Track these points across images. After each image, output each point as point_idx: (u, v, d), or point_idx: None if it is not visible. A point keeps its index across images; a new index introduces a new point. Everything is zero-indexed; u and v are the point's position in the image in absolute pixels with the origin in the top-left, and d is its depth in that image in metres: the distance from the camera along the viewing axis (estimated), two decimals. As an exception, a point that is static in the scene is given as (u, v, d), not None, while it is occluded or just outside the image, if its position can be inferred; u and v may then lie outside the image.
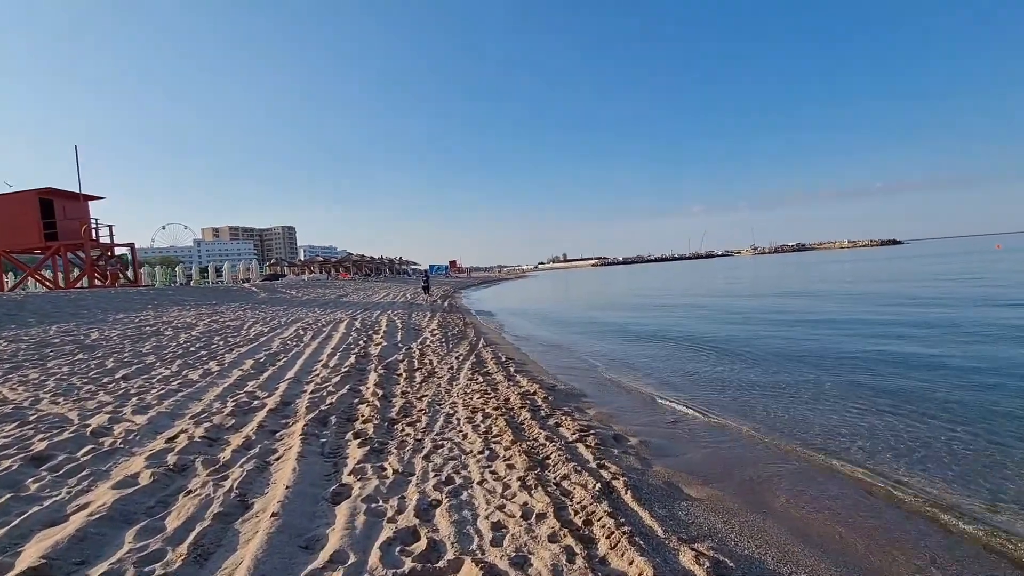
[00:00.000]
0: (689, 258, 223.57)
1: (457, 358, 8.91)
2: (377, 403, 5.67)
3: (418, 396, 6.15)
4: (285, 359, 8.25)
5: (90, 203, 25.39)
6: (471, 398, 6.04)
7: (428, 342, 10.68)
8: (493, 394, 6.20)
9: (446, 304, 23.90)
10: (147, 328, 11.77)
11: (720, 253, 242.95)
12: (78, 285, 25.20)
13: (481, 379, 7.08)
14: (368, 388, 6.36)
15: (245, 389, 6.15)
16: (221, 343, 9.80)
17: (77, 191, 24.38)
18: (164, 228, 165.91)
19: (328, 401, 5.65)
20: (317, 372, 7.34)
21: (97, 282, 25.63)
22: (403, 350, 9.57)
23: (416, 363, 8.33)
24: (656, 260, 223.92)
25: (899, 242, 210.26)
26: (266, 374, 6.99)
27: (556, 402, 5.99)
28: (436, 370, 7.78)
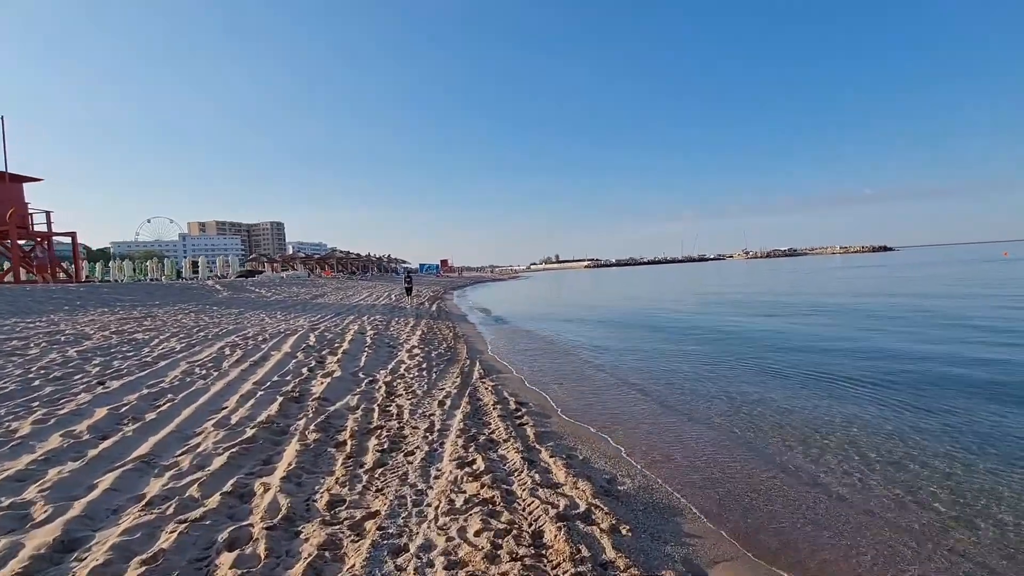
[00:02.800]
0: (681, 261, 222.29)
1: (442, 403, 5.88)
2: (263, 549, 2.65)
3: (361, 511, 3.14)
4: (168, 405, 5.18)
5: (24, 185, 21.93)
6: (464, 521, 3.03)
7: (403, 368, 7.66)
8: (505, 510, 3.20)
9: (433, 308, 20.83)
10: (14, 341, 8.61)
11: (712, 257, 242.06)
12: (4, 280, 21.72)
13: (480, 459, 4.05)
14: (267, 490, 3.34)
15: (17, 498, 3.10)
16: (96, 369, 6.69)
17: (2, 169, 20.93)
18: (149, 221, 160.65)
19: (158, 541, 2.63)
20: (200, 439, 4.30)
21: (37, 277, 22.22)
22: (363, 385, 6.54)
23: (376, 414, 5.30)
24: (649, 263, 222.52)
25: (891, 248, 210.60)
26: (98, 449, 3.93)
27: (640, 545, 2.99)
28: (406, 432, 4.76)
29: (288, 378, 6.62)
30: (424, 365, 7.98)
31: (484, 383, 7.04)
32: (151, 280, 48.11)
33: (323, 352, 8.55)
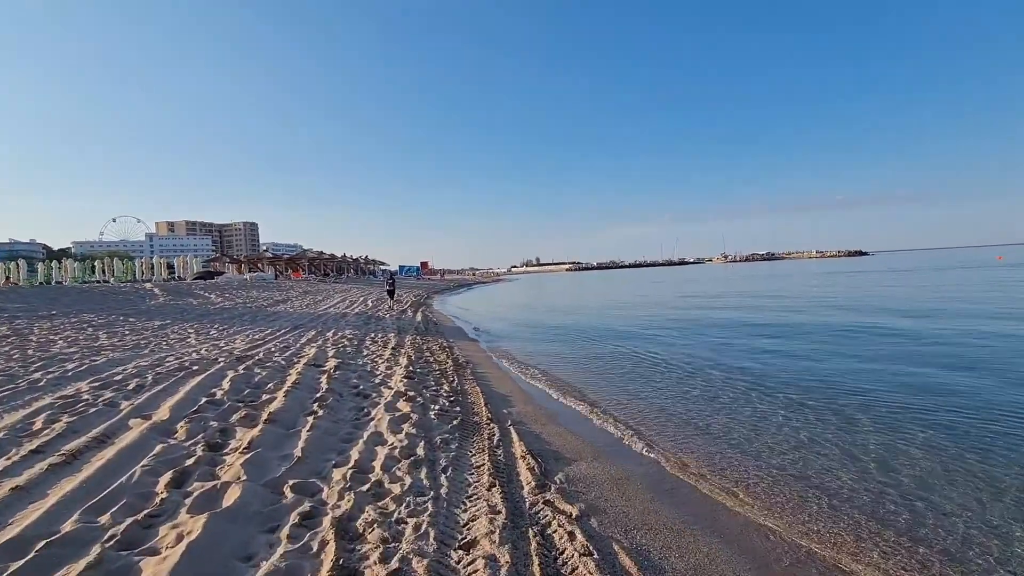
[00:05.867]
0: (662, 264, 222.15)
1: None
2: None
3: None
4: None
5: None
6: None
7: (380, 459, 3.90)
8: None
9: (418, 318, 16.95)
10: None
11: (692, 260, 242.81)
12: None
13: None
14: None
15: None
16: None
17: None
18: (114, 220, 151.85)
19: None
20: None
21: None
22: (283, 530, 2.76)
23: None
24: (630, 266, 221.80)
25: (865, 253, 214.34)
26: None
27: None
28: None
29: (105, 518, 2.79)
30: (419, 446, 4.20)
31: (558, 511, 3.32)
32: (100, 282, 42.74)
33: (233, 416, 4.68)
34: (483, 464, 3.99)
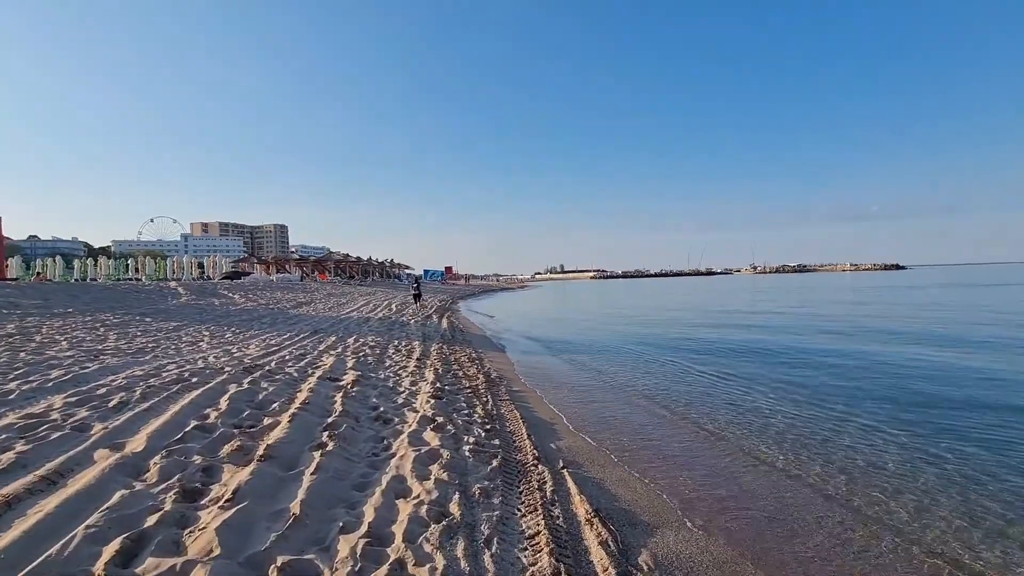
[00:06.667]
0: (688, 274, 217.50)
1: None
2: None
3: None
4: None
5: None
6: None
7: (402, 518, 2.93)
8: None
9: (444, 325, 16.06)
10: None
11: (720, 271, 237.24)
12: None
13: None
14: None
15: None
16: None
17: None
18: (152, 221, 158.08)
19: None
20: None
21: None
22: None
23: None
24: (655, 275, 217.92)
25: (902, 267, 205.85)
26: None
27: None
28: None
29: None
30: (452, 500, 3.22)
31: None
32: (134, 280, 43.40)
33: (224, 448, 3.78)
34: (538, 533, 2.97)
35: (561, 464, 4.26)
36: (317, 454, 3.79)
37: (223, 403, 4.87)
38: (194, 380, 5.75)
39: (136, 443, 3.76)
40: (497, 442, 4.59)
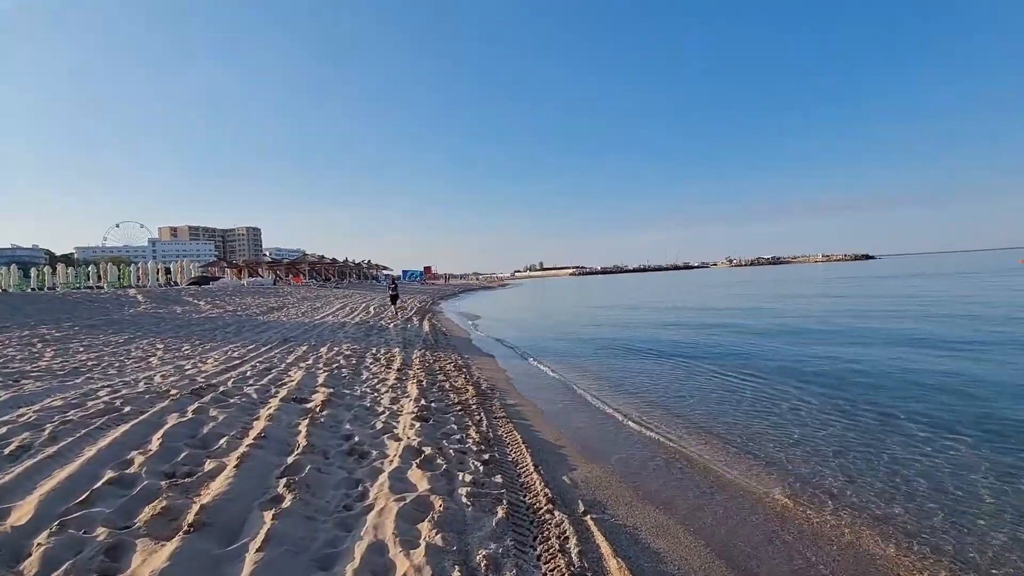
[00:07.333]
0: (667, 269, 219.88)
1: None
2: None
3: None
4: None
5: None
6: None
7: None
8: None
9: (426, 329, 15.09)
10: None
11: (696, 265, 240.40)
12: None
13: None
14: None
15: None
16: None
17: None
18: (118, 226, 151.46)
19: None
20: None
21: None
22: None
23: None
24: (634, 270, 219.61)
25: (872, 257, 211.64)
26: None
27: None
28: None
29: None
30: (454, 582, 2.37)
31: None
32: (94, 288, 40.96)
33: (142, 513, 2.83)
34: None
35: (582, 508, 3.45)
36: (269, 515, 2.88)
37: (155, 442, 3.89)
38: (126, 410, 4.73)
39: (21, 512, 2.80)
40: (499, 479, 3.75)
